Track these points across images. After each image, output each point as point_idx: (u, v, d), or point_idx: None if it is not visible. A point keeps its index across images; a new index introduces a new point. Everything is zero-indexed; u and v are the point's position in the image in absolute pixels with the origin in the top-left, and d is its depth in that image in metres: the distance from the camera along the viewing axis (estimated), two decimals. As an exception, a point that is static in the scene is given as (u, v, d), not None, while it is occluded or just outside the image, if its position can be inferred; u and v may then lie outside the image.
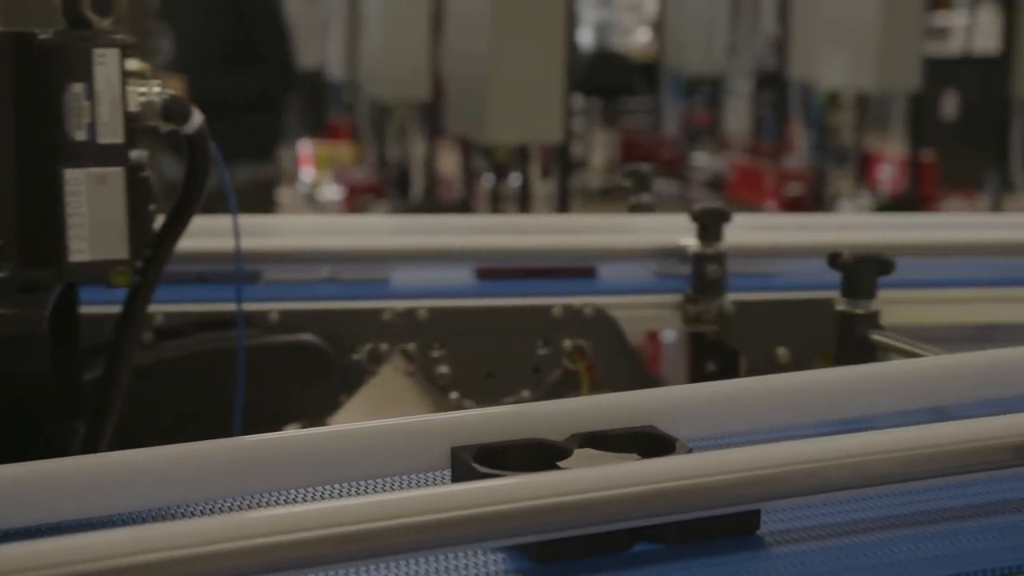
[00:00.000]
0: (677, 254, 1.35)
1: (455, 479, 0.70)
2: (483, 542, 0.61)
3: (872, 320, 0.98)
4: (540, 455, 0.70)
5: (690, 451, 0.69)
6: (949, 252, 1.44)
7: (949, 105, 8.04)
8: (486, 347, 1.32)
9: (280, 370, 1.27)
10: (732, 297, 1.33)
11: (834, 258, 0.99)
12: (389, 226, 1.59)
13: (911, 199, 6.33)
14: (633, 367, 1.36)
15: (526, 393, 1.32)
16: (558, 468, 0.67)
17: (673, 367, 1.96)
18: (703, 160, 8.55)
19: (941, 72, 7.79)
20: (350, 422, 0.75)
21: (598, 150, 9.04)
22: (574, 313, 1.32)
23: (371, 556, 0.57)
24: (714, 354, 1.42)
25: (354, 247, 1.39)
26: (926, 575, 0.64)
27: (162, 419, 1.25)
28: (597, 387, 1.32)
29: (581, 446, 0.71)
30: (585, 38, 10.79)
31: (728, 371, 1.40)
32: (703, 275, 1.30)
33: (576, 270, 1.41)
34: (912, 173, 6.34)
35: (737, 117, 8.59)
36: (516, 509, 0.59)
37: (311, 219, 1.69)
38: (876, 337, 0.97)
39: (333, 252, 1.38)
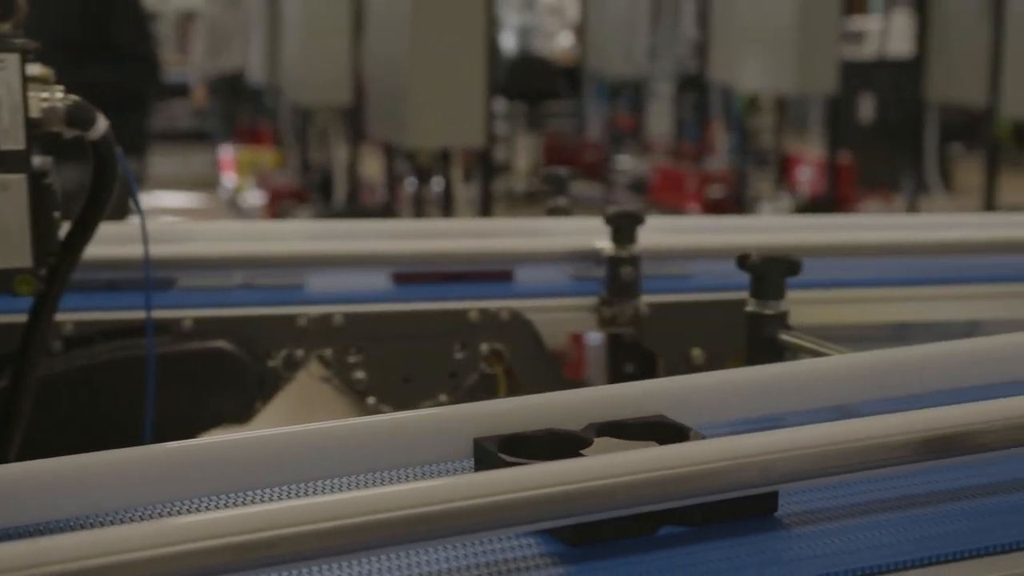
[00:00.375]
0: (592, 257, 1.36)
1: (479, 468, 0.72)
2: (517, 526, 0.63)
3: (781, 320, 1.00)
4: (561, 445, 0.73)
5: (703, 438, 0.72)
6: (859, 252, 1.47)
7: (866, 108, 8.17)
8: (403, 352, 1.32)
9: (193, 378, 1.26)
10: (647, 299, 1.34)
11: (743, 260, 1.00)
12: (305, 231, 1.58)
13: (829, 200, 6.43)
14: (550, 369, 1.37)
15: (443, 397, 1.32)
16: (582, 456, 0.70)
17: (597, 369, 1.96)
18: (626, 163, 8.61)
19: (857, 75, 7.93)
20: (265, 429, 0.75)
21: (522, 154, 9.07)
22: (490, 317, 1.32)
23: (409, 542, 0.59)
24: (632, 355, 1.43)
25: (269, 253, 1.38)
26: (936, 551, 0.66)
27: (72, 429, 1.23)
28: (514, 390, 1.32)
29: (599, 435, 0.74)
30: (508, 42, 10.81)
31: (646, 372, 1.41)
32: (617, 277, 1.31)
33: (493, 274, 1.41)
34: (830, 175, 6.44)
35: (659, 120, 8.67)
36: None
37: (227, 225, 1.67)
38: (785, 337, 0.99)
39: (248, 258, 1.37)
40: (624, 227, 1.30)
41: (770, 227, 1.64)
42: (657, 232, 1.43)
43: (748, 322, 1.01)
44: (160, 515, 0.71)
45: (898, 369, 0.90)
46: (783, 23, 5.74)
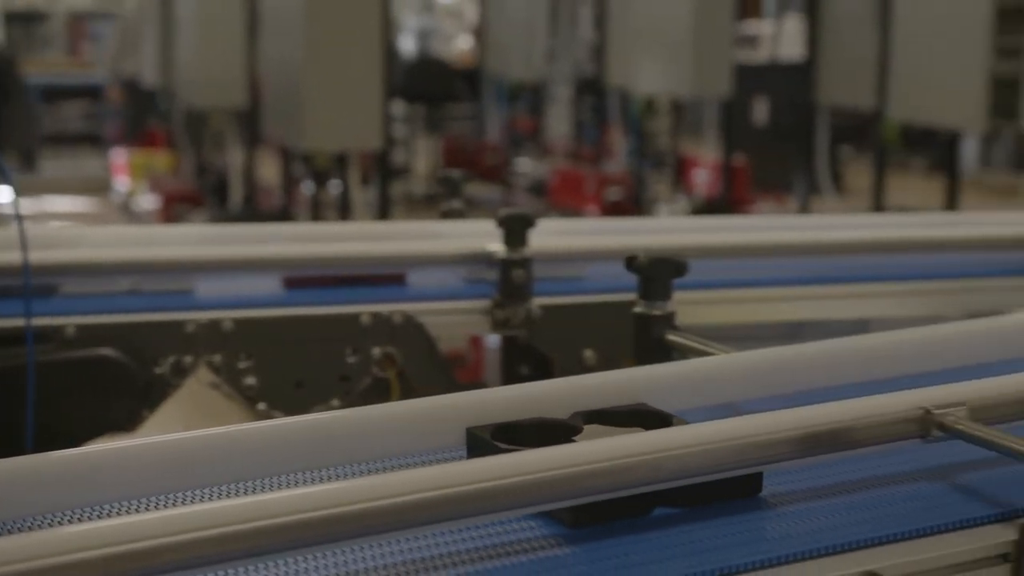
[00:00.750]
0: (485, 260, 1.36)
1: (472, 456, 0.75)
2: (516, 510, 0.66)
3: (668, 321, 1.01)
4: (552, 433, 0.76)
5: (685, 423, 0.75)
6: (749, 253, 1.48)
7: (760, 111, 8.31)
8: (294, 357, 1.31)
9: (76, 386, 1.23)
10: (540, 301, 1.34)
11: (630, 261, 1.00)
12: (195, 236, 1.55)
13: (724, 202, 6.52)
14: (443, 372, 1.36)
15: (336, 402, 1.31)
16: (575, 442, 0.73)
17: (495, 371, 1.97)
18: (526, 166, 8.64)
19: (752, 79, 8.06)
20: (152, 436, 0.74)
21: (421, 157, 9.05)
22: (383, 320, 1.31)
23: (413, 526, 0.62)
24: (526, 358, 1.43)
25: (156, 258, 1.35)
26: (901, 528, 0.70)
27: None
28: (407, 394, 1.31)
29: (586, 423, 0.78)
30: (407, 44, 10.78)
31: (540, 374, 1.42)
32: (509, 280, 1.31)
33: (385, 277, 1.40)
34: (725, 177, 6.53)
35: (558, 123, 8.71)
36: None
37: (115, 230, 1.63)
38: (671, 337, 1.00)
39: (134, 263, 1.34)
40: (516, 230, 1.30)
41: (661, 229, 1.65)
42: (549, 234, 1.43)
43: (636, 323, 1.02)
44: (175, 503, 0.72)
45: (784, 367, 0.92)
46: (678, 27, 5.81)
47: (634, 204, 7.30)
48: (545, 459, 0.66)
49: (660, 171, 7.51)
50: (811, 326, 1.50)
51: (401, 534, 0.63)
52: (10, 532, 0.70)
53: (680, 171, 7.41)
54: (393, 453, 0.78)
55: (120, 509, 0.72)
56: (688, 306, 1.40)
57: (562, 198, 7.78)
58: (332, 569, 0.65)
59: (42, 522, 0.70)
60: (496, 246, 1.34)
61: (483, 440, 0.75)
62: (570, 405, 0.80)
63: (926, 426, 0.77)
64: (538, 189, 8.15)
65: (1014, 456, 0.72)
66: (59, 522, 0.71)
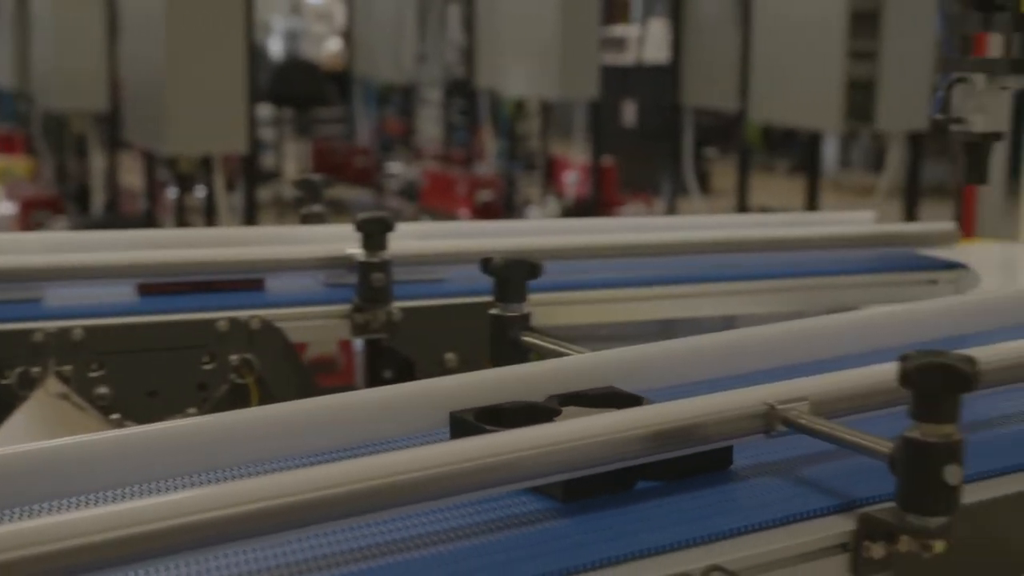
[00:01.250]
0: (344, 263, 1.35)
1: (455, 436, 0.80)
2: (510, 485, 0.71)
3: (523, 322, 1.01)
4: (532, 414, 0.81)
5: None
6: (613, 254, 1.50)
7: (628, 112, 8.42)
8: (148, 365, 1.28)
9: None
10: (400, 304, 1.34)
11: (486, 263, 1.01)
12: (47, 243, 1.50)
13: (594, 204, 6.59)
14: (303, 378, 1.35)
15: (192, 411, 1.28)
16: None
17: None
18: (397, 168, 8.61)
19: (619, 81, 8.16)
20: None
21: (290, 160, 8.94)
22: (240, 326, 1.29)
23: (415, 502, 0.67)
24: (388, 361, 1.43)
25: (3, 266, 1.31)
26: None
27: None
28: (265, 400, 1.30)
29: (562, 405, 0.83)
30: (275, 47, 10.64)
31: (403, 377, 1.41)
32: (369, 284, 1.30)
33: (243, 283, 1.38)
34: (594, 179, 6.59)
35: (429, 125, 8.70)
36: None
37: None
38: (526, 338, 1.00)
39: (-22, 272, 1.30)
40: (374, 233, 1.29)
41: (523, 231, 1.67)
42: (409, 238, 1.43)
43: (492, 324, 1.02)
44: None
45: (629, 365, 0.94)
46: (545, 30, 5.85)
47: (505, 206, 7.33)
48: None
49: (531, 173, 7.56)
50: (681, 324, 1.52)
51: (397, 512, 0.66)
52: None
53: (550, 173, 7.47)
54: (376, 438, 0.82)
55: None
56: (560, 306, 1.42)
57: (434, 201, 7.77)
58: (337, 546, 0.68)
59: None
60: (355, 250, 1.33)
61: (467, 422, 0.80)
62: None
63: (770, 421, 0.79)
64: (409, 192, 8.13)
65: (853, 448, 0.74)
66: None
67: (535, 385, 0.87)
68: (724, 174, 8.48)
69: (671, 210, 6.16)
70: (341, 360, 4.51)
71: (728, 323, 1.57)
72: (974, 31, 1.18)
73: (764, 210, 6.27)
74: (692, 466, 0.78)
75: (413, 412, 0.84)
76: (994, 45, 1.19)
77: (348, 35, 8.88)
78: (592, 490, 0.75)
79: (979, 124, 1.21)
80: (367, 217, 1.30)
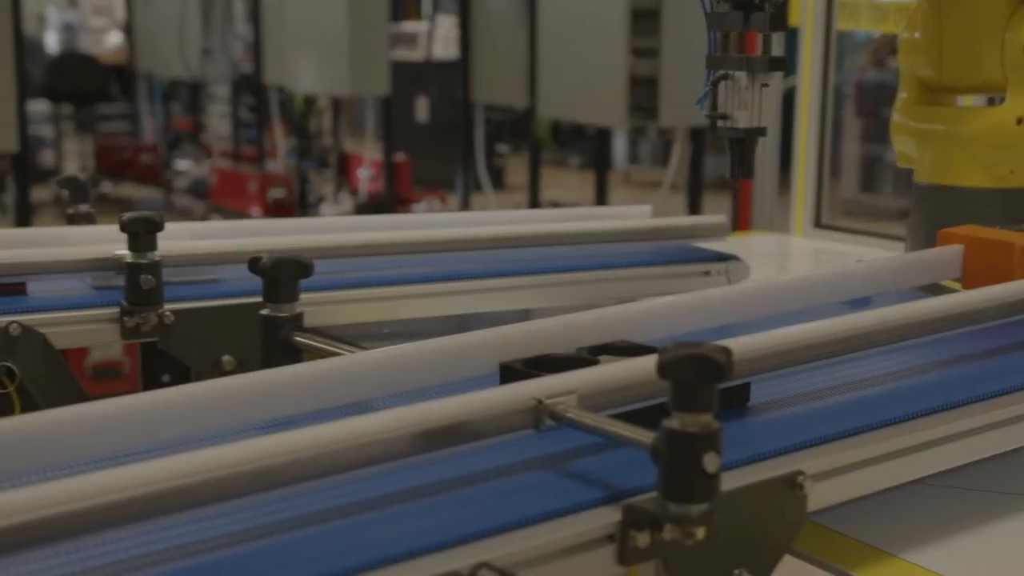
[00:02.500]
0: (112, 265, 1.29)
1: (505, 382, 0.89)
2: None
3: (295, 322, 0.99)
4: (575, 363, 0.89)
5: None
6: (392, 250, 1.48)
7: (421, 109, 8.43)
8: None
9: None
10: (173, 306, 1.29)
11: (254, 263, 0.98)
12: None
13: (388, 200, 6.57)
14: (69, 384, 1.29)
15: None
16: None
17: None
18: (185, 166, 8.39)
19: (412, 77, 8.15)
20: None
21: (72, 158, 8.61)
22: (-2, 334, 1.22)
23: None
24: (162, 365, 1.38)
25: None
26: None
27: None
28: (29, 409, 1.23)
29: (595, 355, 0.94)
30: (51, 41, 10.20)
31: (178, 380, 1.36)
32: (138, 286, 1.25)
33: (3, 287, 1.31)
34: (387, 175, 6.57)
35: (218, 122, 8.50)
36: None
37: None
38: (298, 339, 0.98)
39: None
40: (141, 233, 1.24)
41: (308, 228, 1.63)
42: (181, 237, 1.38)
43: (261, 325, 0.99)
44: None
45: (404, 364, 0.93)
46: (333, 27, 5.79)
47: (298, 204, 7.23)
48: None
49: (323, 170, 7.48)
50: (475, 319, 1.52)
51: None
52: None
53: (343, 169, 7.41)
54: (432, 384, 0.91)
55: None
56: (350, 304, 1.39)
57: (224, 199, 7.61)
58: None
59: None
60: (124, 251, 1.27)
61: (516, 370, 0.90)
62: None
63: (539, 416, 0.79)
64: (199, 190, 7.93)
65: (617, 440, 0.75)
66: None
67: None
68: (517, 170, 8.58)
69: (465, 206, 6.19)
70: (127, 364, 4.36)
71: (523, 316, 1.57)
72: (735, 30, 1.22)
73: (556, 205, 6.38)
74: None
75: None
76: (755, 44, 1.23)
77: (129, 29, 8.60)
78: (643, 420, 0.80)
79: (743, 120, 1.25)
80: (133, 217, 1.25)
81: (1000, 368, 1.04)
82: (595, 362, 0.90)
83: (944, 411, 0.93)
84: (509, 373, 0.91)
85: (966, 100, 1.82)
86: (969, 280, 1.22)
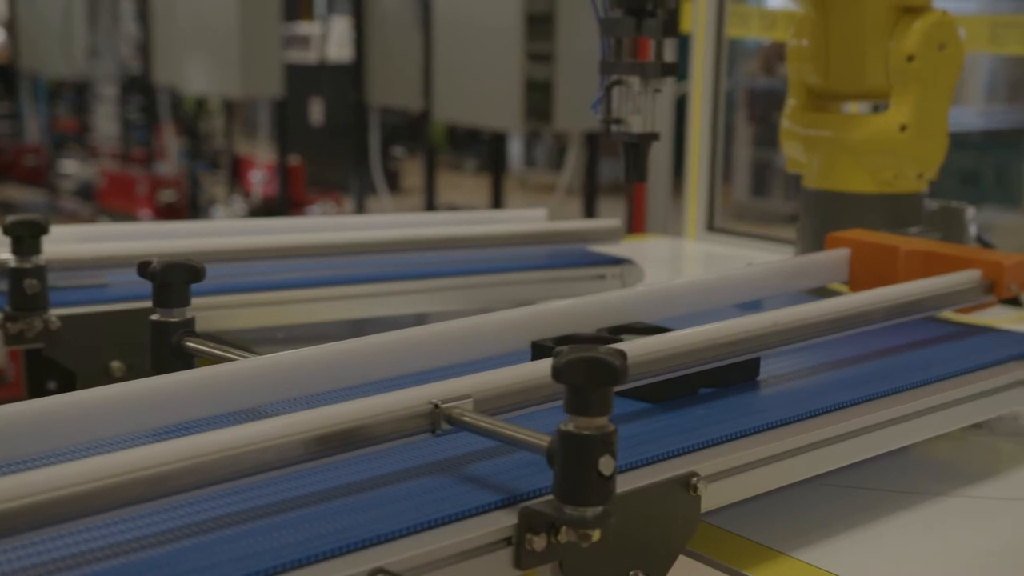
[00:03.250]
0: (-6, 270, 1.25)
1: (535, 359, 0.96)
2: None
3: (186, 327, 0.97)
4: (599, 342, 0.98)
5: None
6: (286, 254, 1.47)
7: (315, 111, 8.35)
8: None
9: None
10: (58, 312, 1.26)
11: (143, 267, 0.96)
12: None
13: (282, 203, 6.50)
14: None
15: None
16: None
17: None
18: (72, 168, 8.19)
19: (305, 79, 8.07)
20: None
21: (-48, 159, 8.35)
22: None
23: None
24: (49, 371, 1.34)
25: None
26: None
27: None
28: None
29: (614, 334, 1.04)
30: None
31: (65, 387, 1.33)
32: (21, 291, 1.22)
33: None
34: (281, 178, 6.50)
35: (106, 123, 8.33)
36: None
37: None
38: (189, 344, 0.96)
39: None
40: (24, 237, 1.21)
41: (200, 232, 1.61)
42: (67, 241, 1.35)
43: (151, 330, 0.97)
44: None
45: (306, 368, 0.92)
46: (224, 27, 5.71)
47: (189, 206, 7.12)
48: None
49: (216, 172, 7.38)
50: (371, 323, 1.51)
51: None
52: None
53: (236, 172, 7.31)
54: (468, 359, 0.97)
55: None
56: (244, 308, 1.37)
57: (113, 201, 7.46)
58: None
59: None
60: (6, 255, 1.24)
61: (547, 347, 0.99)
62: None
63: (435, 420, 0.79)
64: (86, 192, 7.76)
65: (514, 444, 0.75)
66: None
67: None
68: (413, 173, 8.56)
69: (360, 209, 6.15)
70: (11, 371, 4.25)
71: (419, 320, 1.57)
72: (628, 35, 1.23)
73: (452, 208, 6.38)
74: (733, 375, 1.00)
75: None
76: (648, 50, 1.24)
77: (11, 27, 8.37)
78: (669, 393, 0.96)
79: (636, 125, 1.26)
80: (16, 220, 1.21)
81: (885, 370, 1.06)
82: (619, 339, 1.00)
83: (832, 412, 0.95)
84: (540, 350, 1.01)
85: (852, 107, 1.86)
86: (856, 283, 1.25)
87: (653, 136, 1.28)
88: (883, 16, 1.44)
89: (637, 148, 1.27)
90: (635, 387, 0.92)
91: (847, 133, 1.47)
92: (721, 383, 0.99)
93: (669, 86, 2.52)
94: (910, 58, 1.43)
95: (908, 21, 1.43)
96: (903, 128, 1.44)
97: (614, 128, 1.29)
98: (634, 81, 1.24)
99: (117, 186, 7.50)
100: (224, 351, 0.95)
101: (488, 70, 4.87)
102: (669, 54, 1.26)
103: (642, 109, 1.25)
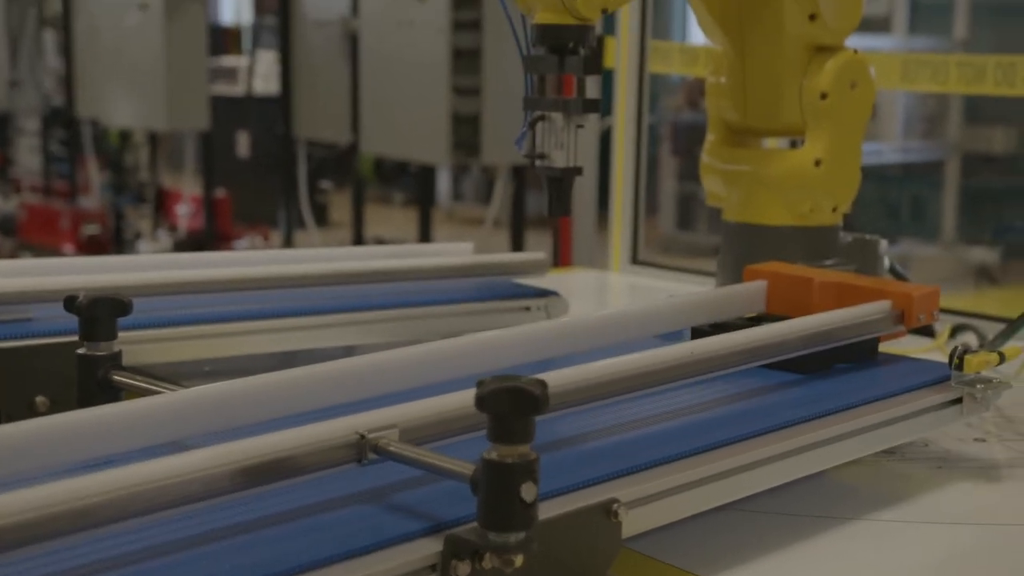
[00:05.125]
0: (-84, 305, 1.25)
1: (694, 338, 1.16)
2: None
3: (113, 361, 0.98)
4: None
5: None
6: (213, 288, 1.47)
7: (242, 144, 8.32)
8: None
9: None
10: (-19, 347, 1.25)
11: (70, 301, 0.97)
12: None
13: (209, 237, 6.46)
14: None
15: None
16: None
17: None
18: (-7, 201, 8.07)
19: (232, 112, 8.04)
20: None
21: None
22: None
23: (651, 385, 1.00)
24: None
25: None
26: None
27: None
28: None
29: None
30: None
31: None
32: (-56, 326, 1.21)
33: None
34: (207, 211, 6.46)
35: (27, 156, 8.22)
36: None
37: None
38: (117, 378, 0.97)
39: None
40: (-53, 271, 1.20)
41: (125, 266, 1.60)
42: (-8, 276, 1.34)
43: (79, 364, 0.98)
44: None
45: (233, 401, 0.92)
46: (149, 60, 5.68)
47: (114, 240, 7.04)
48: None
49: (141, 206, 7.31)
50: (301, 356, 1.51)
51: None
52: None
53: (162, 205, 7.26)
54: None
55: None
56: (170, 342, 1.37)
57: (35, 235, 7.36)
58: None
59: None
60: (-72, 290, 1.23)
61: (704, 331, 1.21)
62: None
63: (361, 450, 0.80)
64: (7, 227, 7.64)
65: (439, 472, 0.77)
66: None
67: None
68: (341, 206, 8.54)
69: (288, 242, 6.13)
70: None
71: (348, 353, 1.58)
72: (550, 72, 1.25)
73: (380, 241, 6.38)
74: (863, 353, 1.21)
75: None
76: (571, 86, 1.27)
77: (-68, 58, 8.25)
78: (813, 367, 1.17)
79: (560, 160, 1.29)
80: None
81: (801, 397, 1.10)
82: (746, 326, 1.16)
83: (748, 439, 0.98)
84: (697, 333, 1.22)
85: (771, 142, 1.91)
86: (773, 313, 1.28)
87: (576, 171, 1.31)
88: (798, 55, 1.48)
89: (560, 182, 1.30)
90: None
91: (765, 168, 1.51)
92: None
93: (592, 122, 2.56)
94: (823, 96, 1.47)
95: (821, 60, 1.48)
96: (818, 163, 1.48)
97: (538, 163, 1.31)
98: (557, 117, 1.27)
99: (39, 220, 7.40)
100: (151, 384, 0.95)
101: (416, 104, 4.90)
102: (592, 90, 1.29)
103: (565, 144, 1.28)
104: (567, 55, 1.25)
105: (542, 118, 1.28)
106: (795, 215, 1.50)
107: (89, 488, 0.68)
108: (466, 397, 0.84)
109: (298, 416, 0.94)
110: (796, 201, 1.50)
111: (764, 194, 1.51)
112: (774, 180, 1.50)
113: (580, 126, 1.29)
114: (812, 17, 1.46)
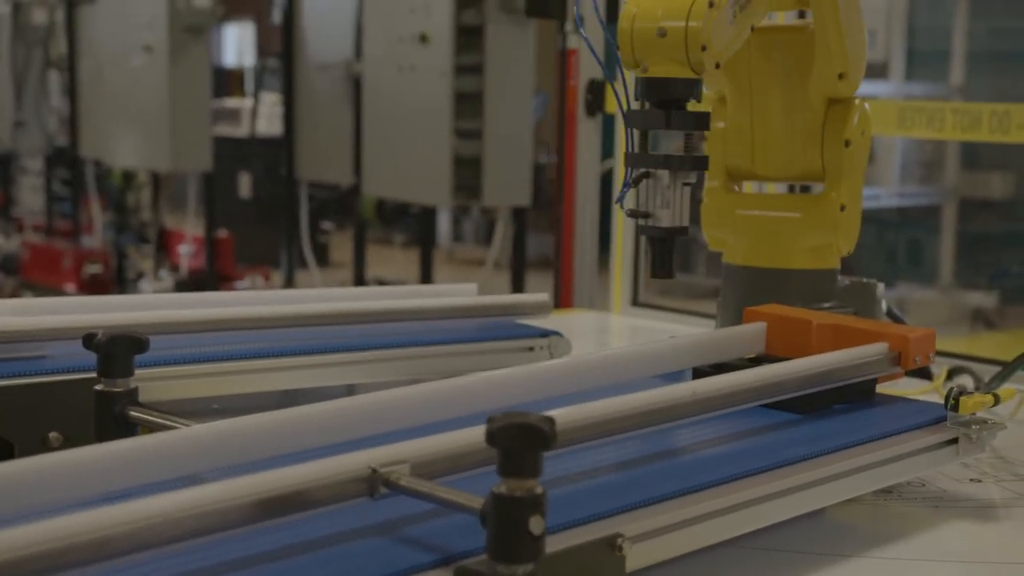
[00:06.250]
0: (-69, 342, 1.27)
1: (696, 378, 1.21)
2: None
3: (130, 397, 1.00)
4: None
5: None
6: (218, 327, 1.49)
7: (244, 185, 8.37)
8: None
9: None
10: (-4, 384, 1.27)
11: (88, 339, 0.99)
12: None
13: (211, 277, 6.48)
14: None
15: None
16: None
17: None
18: (-5, 241, 8.10)
19: (235, 153, 8.10)
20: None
21: None
22: None
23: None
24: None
25: None
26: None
27: None
28: None
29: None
30: None
31: (4, 457, 1.34)
32: (-40, 363, 1.23)
33: None
34: (209, 251, 6.49)
35: (30, 196, 8.27)
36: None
37: None
38: (134, 413, 0.99)
39: None
40: (-37, 309, 1.23)
41: (131, 305, 1.63)
42: (6, 314, 1.37)
43: (96, 400, 1.00)
44: None
45: (248, 436, 0.95)
46: (154, 102, 5.73)
47: (116, 280, 7.07)
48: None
49: (143, 246, 7.34)
50: (306, 394, 1.54)
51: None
52: None
53: (164, 245, 7.29)
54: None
55: None
56: (178, 380, 1.39)
57: (38, 275, 7.38)
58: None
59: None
60: (-57, 328, 1.25)
61: (705, 371, 1.21)
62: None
63: (373, 484, 0.82)
64: (9, 266, 7.67)
65: (449, 506, 0.79)
66: None
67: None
68: (342, 247, 8.58)
69: (289, 283, 6.16)
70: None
71: (349, 391, 1.60)
72: (657, 127, 1.23)
73: (381, 282, 6.41)
74: (860, 394, 1.23)
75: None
76: (676, 142, 1.26)
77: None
78: (812, 407, 1.19)
79: (666, 219, 1.27)
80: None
81: (800, 437, 1.12)
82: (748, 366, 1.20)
83: (750, 476, 1.00)
84: (698, 373, 1.24)
85: (769, 187, 1.94)
86: (772, 354, 1.31)
87: (682, 231, 1.27)
88: (819, 107, 1.52)
89: (664, 243, 1.26)
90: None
91: (782, 213, 1.53)
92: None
93: (596, 163, 2.59)
94: (847, 143, 1.50)
95: (841, 111, 1.51)
96: (843, 208, 1.51)
97: (641, 222, 1.28)
98: (663, 174, 1.24)
99: (41, 259, 7.43)
100: (167, 419, 0.98)
101: (418, 146, 4.94)
102: (698, 147, 1.25)
103: (671, 203, 1.25)
104: (673, 110, 1.22)
105: (647, 175, 1.25)
106: (806, 259, 1.52)
107: (107, 520, 0.70)
108: (475, 433, 0.86)
109: (311, 451, 0.97)
110: (820, 245, 1.51)
111: (780, 238, 1.52)
112: (800, 226, 1.52)
113: (687, 184, 1.26)
114: (841, 76, 1.49)
